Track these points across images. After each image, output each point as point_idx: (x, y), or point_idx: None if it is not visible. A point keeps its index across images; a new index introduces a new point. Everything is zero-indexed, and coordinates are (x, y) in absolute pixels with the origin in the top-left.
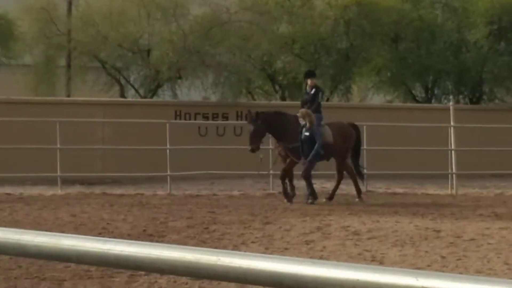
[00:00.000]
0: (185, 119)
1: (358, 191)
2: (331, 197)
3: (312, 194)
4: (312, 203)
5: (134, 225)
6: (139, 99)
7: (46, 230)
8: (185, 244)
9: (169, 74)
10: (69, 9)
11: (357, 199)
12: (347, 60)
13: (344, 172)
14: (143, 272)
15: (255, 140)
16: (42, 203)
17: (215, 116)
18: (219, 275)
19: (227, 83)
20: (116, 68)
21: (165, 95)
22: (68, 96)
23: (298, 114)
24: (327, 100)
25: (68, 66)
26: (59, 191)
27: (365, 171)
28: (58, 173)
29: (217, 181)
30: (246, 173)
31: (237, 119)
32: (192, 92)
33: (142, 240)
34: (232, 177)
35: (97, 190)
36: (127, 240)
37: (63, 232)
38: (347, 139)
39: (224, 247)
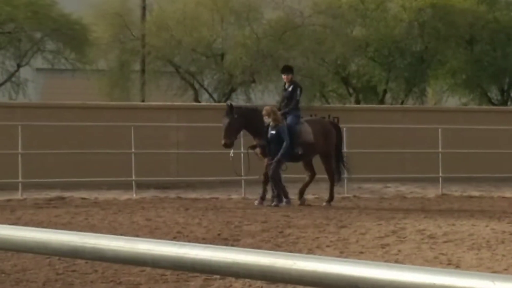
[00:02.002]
0: None
1: (331, 196)
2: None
3: (278, 197)
4: (276, 205)
5: (209, 229)
6: (213, 103)
7: (122, 234)
8: (259, 248)
9: (242, 78)
10: (143, 14)
11: (324, 203)
12: (422, 62)
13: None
14: (218, 276)
15: (229, 134)
16: (117, 208)
17: None
18: (295, 279)
19: None
20: (190, 72)
21: (238, 99)
22: (142, 100)
23: (263, 112)
24: (402, 103)
25: (142, 71)
26: (134, 195)
27: (345, 175)
28: (133, 178)
29: (291, 185)
30: (320, 177)
31: None
32: (265, 96)
33: (217, 244)
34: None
35: (172, 194)
36: (203, 244)
37: (138, 236)
38: (328, 137)
39: (299, 251)
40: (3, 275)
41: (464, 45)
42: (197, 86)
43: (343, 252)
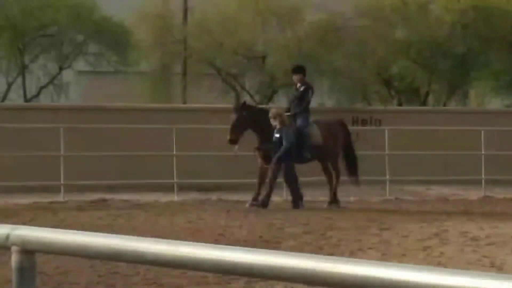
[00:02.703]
0: None
1: (333, 197)
2: (333, 200)
3: (296, 200)
4: (297, 207)
5: (250, 231)
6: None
7: (163, 237)
8: (301, 250)
9: (284, 80)
10: (185, 17)
11: (325, 205)
12: (464, 64)
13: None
14: (259, 279)
15: (236, 131)
16: (158, 210)
17: None
18: (336, 283)
19: (342, 88)
20: (232, 74)
21: (280, 101)
22: (184, 103)
23: (270, 115)
24: (444, 104)
25: (184, 73)
26: (175, 197)
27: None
28: (175, 180)
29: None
30: (362, 179)
31: (352, 125)
32: None
33: (259, 247)
34: (348, 183)
35: (213, 196)
36: (244, 248)
37: (179, 238)
38: (337, 138)
39: (341, 254)
40: (45, 277)
41: (506, 47)
42: (238, 88)
43: (385, 255)
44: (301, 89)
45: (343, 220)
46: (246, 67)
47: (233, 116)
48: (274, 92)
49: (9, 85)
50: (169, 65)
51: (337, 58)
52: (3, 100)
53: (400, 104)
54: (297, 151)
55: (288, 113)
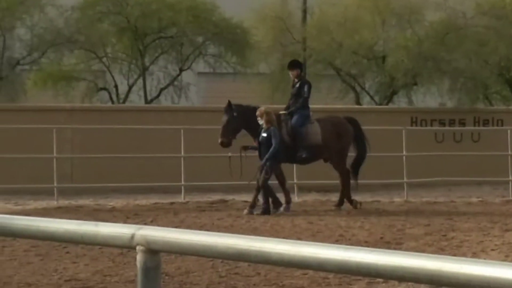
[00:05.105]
0: (421, 126)
1: (341, 200)
2: (340, 203)
3: (274, 203)
4: (250, 212)
5: (371, 232)
6: (375, 106)
7: (284, 237)
8: (423, 251)
9: (404, 81)
10: (304, 17)
11: (334, 207)
12: None
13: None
14: (381, 279)
15: (227, 133)
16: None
17: (451, 122)
18: (462, 284)
19: (463, 88)
20: (351, 75)
21: (400, 101)
22: None
23: (257, 113)
24: None
25: (303, 74)
26: (296, 198)
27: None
28: (295, 181)
29: (454, 188)
30: (484, 180)
31: (474, 125)
32: (427, 98)
33: (379, 247)
34: (470, 184)
35: (334, 197)
36: (368, 248)
37: (300, 239)
38: (342, 137)
39: (463, 255)
40: (167, 277)
41: None
42: (358, 89)
43: (508, 256)
44: (297, 85)
45: (465, 221)
46: (366, 67)
47: (223, 118)
48: (394, 92)
49: (130, 87)
50: None
51: (458, 58)
52: (124, 102)
53: None
54: (291, 151)
55: (284, 111)
